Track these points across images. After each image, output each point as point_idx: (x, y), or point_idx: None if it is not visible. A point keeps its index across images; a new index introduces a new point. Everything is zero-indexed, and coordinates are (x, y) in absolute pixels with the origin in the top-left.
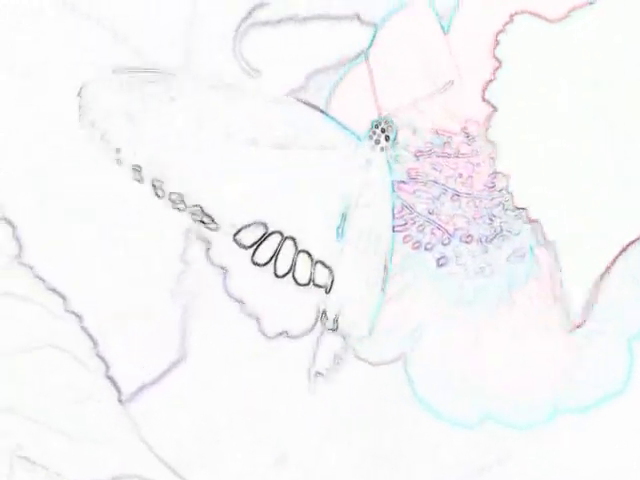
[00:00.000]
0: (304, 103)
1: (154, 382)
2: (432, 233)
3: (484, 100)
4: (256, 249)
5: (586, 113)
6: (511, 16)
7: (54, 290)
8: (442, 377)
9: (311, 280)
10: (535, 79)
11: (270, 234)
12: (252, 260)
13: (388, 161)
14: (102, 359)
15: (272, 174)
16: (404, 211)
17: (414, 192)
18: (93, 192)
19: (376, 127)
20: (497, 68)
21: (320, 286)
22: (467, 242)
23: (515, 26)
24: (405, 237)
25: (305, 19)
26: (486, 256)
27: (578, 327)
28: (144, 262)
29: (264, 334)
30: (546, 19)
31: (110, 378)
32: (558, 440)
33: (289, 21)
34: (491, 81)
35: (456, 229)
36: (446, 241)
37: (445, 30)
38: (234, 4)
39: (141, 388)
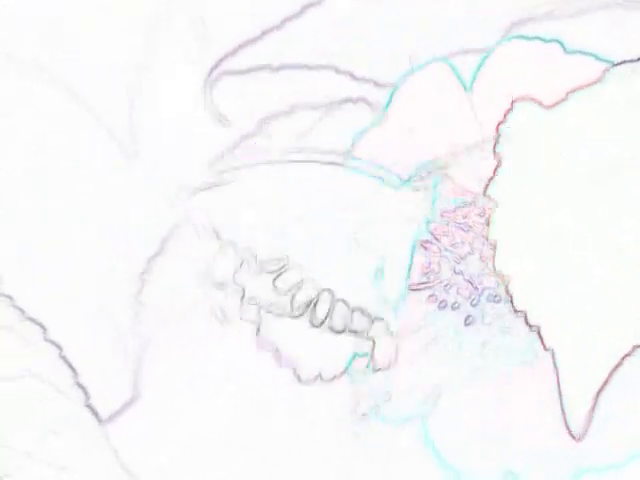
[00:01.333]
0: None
1: (131, 404)
2: (458, 293)
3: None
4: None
5: (588, 216)
6: (511, 103)
7: (33, 320)
8: (463, 437)
9: (346, 327)
10: (536, 175)
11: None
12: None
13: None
14: (82, 388)
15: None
16: (429, 270)
17: (440, 252)
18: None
19: (423, 172)
20: (497, 166)
21: (356, 332)
22: (495, 302)
23: (514, 115)
24: (430, 296)
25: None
26: (511, 316)
27: (578, 441)
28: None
29: (300, 380)
30: (543, 105)
31: (89, 406)
32: None
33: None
34: (492, 178)
35: (484, 288)
36: (475, 301)
37: (467, 89)
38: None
39: (120, 412)
